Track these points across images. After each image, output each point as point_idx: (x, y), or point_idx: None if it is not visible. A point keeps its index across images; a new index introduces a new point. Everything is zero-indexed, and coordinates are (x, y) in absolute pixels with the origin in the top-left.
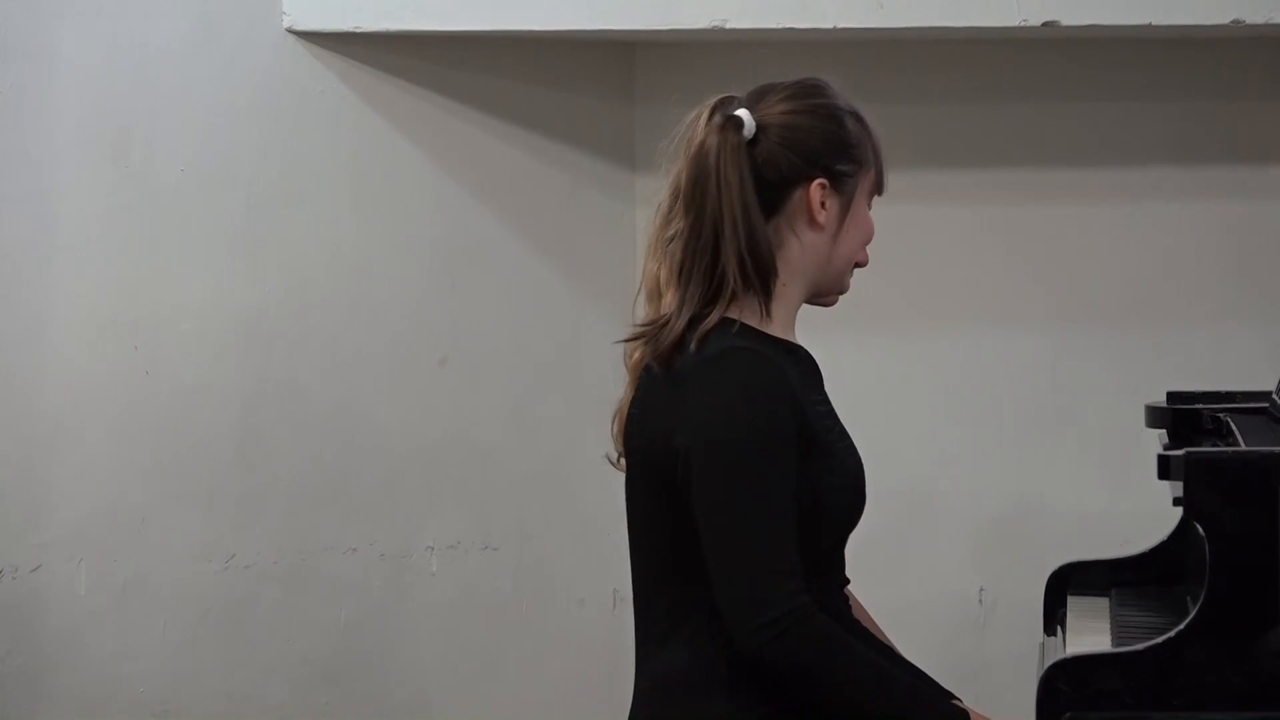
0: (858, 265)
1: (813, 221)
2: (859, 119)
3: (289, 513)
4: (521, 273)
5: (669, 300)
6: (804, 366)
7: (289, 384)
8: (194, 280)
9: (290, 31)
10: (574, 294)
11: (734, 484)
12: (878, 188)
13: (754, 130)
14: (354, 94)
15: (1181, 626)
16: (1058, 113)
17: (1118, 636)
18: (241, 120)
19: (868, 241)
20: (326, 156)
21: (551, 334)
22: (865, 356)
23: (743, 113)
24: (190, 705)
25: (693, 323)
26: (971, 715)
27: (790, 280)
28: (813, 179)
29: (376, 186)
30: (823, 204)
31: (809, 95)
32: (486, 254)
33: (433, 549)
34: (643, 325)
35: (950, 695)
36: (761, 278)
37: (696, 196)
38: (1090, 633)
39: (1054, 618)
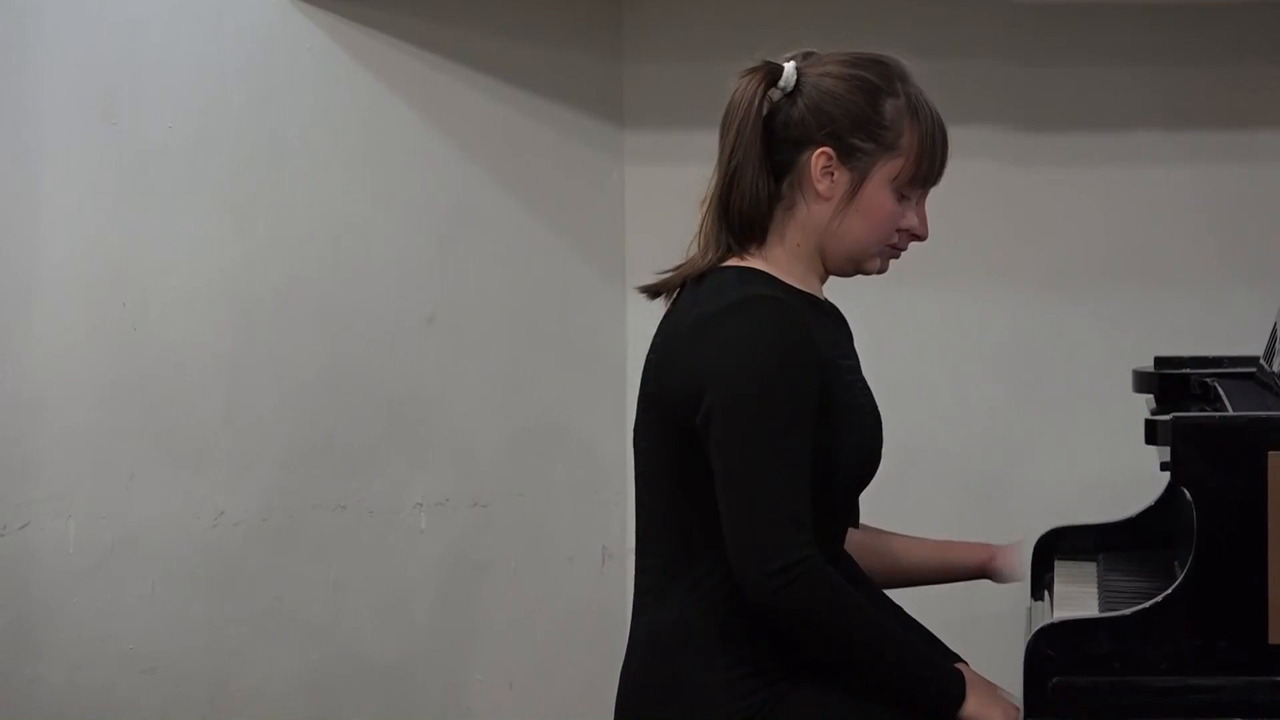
0: (893, 250)
1: (816, 189)
2: (912, 107)
3: (278, 470)
4: (510, 229)
5: (694, 249)
6: (829, 321)
7: (277, 341)
8: (182, 238)
9: None
10: (563, 250)
11: (754, 433)
12: (916, 180)
13: (791, 84)
14: (342, 50)
15: (1168, 591)
16: (1045, 76)
17: (1105, 601)
18: (229, 77)
19: (885, 229)
20: (315, 113)
21: (540, 290)
22: (850, 318)
23: (789, 65)
24: (178, 662)
25: (716, 266)
26: (969, 679)
27: (804, 241)
28: (819, 145)
29: (364, 143)
30: (830, 174)
31: (857, 66)
32: (475, 210)
33: (421, 506)
34: (664, 272)
35: (955, 656)
36: (743, 227)
37: (722, 140)
38: (1077, 598)
39: (1041, 582)
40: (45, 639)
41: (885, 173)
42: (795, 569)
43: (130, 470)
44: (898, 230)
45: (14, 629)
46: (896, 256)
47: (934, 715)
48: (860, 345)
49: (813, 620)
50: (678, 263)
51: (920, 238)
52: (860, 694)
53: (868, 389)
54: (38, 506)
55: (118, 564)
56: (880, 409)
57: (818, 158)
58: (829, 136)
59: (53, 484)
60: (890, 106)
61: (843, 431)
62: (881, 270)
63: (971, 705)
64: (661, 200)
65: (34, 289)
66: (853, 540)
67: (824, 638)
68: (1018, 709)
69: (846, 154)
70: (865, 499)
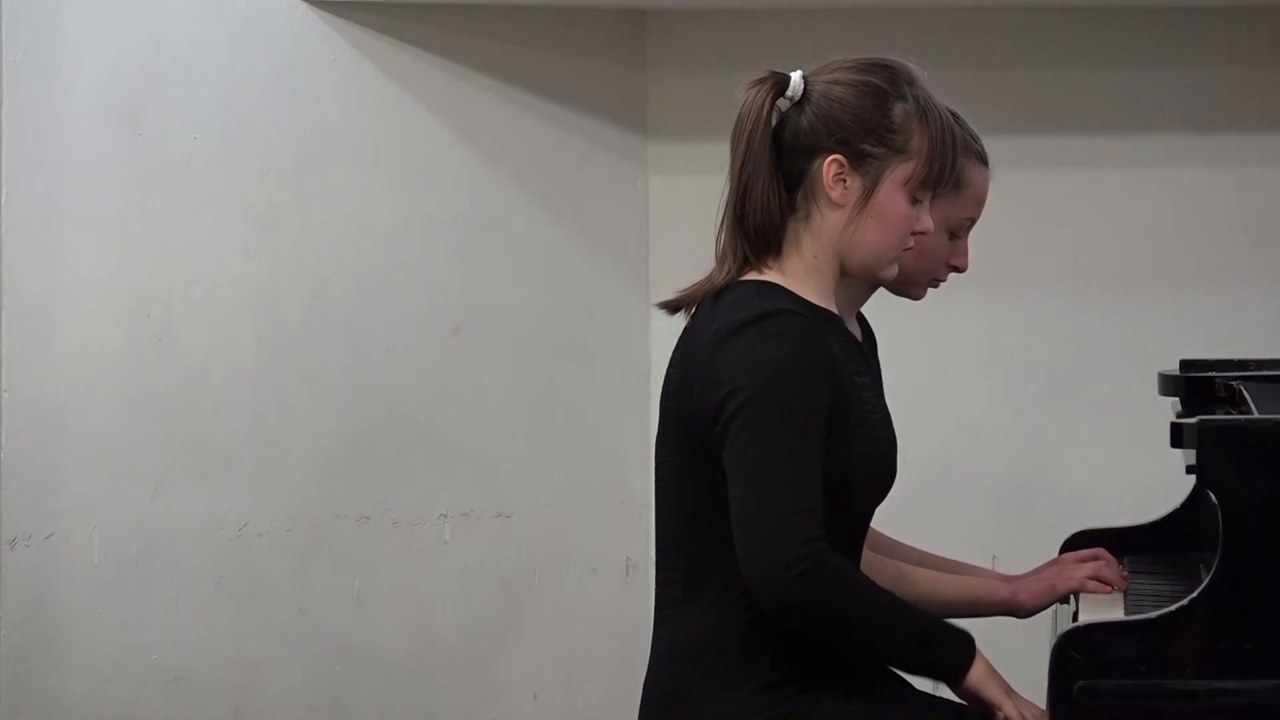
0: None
1: (829, 197)
2: (920, 109)
3: (302, 481)
4: (534, 240)
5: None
6: (844, 337)
7: (302, 352)
8: (207, 249)
9: None
10: (587, 261)
11: (763, 431)
12: (928, 182)
13: (799, 93)
14: (368, 61)
15: (1194, 594)
16: (1071, 79)
17: (1130, 605)
18: (255, 89)
19: (900, 234)
20: (339, 124)
21: (564, 301)
22: (878, 323)
23: (796, 74)
24: (202, 674)
25: (734, 281)
26: (979, 658)
27: (820, 253)
28: (830, 153)
29: (389, 154)
30: (843, 181)
31: (865, 71)
32: (499, 221)
33: (445, 517)
34: (684, 290)
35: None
36: (758, 240)
37: (733, 153)
38: (1103, 601)
39: None
40: (70, 650)
41: (897, 176)
42: (804, 562)
43: (154, 481)
44: (945, 265)
45: (38, 640)
46: (936, 286)
47: (943, 680)
48: (887, 353)
49: (825, 611)
50: (700, 275)
51: (960, 269)
52: (882, 704)
53: (883, 405)
54: (62, 517)
55: (142, 575)
56: (907, 414)
57: (829, 165)
58: (839, 143)
59: (77, 495)
60: (899, 110)
61: (856, 445)
62: (918, 297)
63: (976, 673)
64: (685, 210)
65: (59, 300)
66: (880, 573)
67: (838, 626)
68: (1042, 712)
69: (857, 160)
70: (896, 503)
